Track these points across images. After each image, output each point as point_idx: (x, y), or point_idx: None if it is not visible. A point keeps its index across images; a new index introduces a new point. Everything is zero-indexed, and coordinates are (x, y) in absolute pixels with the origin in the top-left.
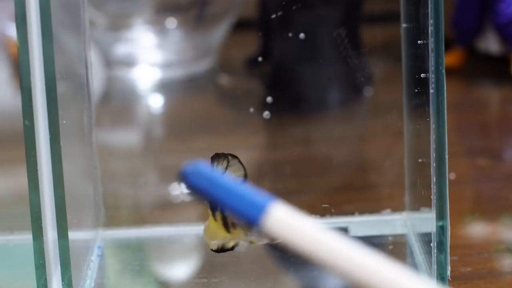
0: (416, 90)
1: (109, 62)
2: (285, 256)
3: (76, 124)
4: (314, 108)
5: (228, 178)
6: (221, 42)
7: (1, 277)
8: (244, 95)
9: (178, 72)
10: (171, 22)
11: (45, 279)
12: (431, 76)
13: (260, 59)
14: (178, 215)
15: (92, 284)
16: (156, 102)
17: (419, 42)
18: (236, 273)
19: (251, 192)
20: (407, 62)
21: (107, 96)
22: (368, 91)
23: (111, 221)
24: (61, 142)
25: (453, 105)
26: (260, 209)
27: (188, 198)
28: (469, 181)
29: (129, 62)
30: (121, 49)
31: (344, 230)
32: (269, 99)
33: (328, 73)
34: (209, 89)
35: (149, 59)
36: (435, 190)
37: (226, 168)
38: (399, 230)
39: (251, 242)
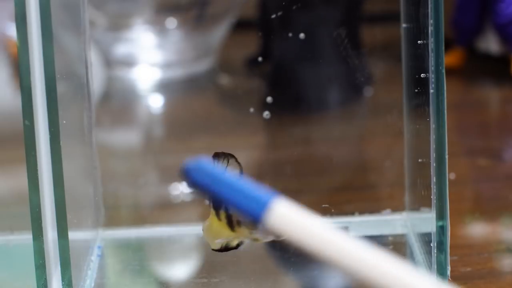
0: (416, 90)
1: (109, 62)
2: (285, 256)
3: (76, 124)
4: (314, 108)
5: (230, 175)
6: (221, 42)
7: (1, 277)
8: (244, 95)
9: (178, 72)
10: (171, 22)
11: (45, 279)
12: (431, 76)
13: (260, 59)
14: (178, 215)
15: (92, 284)
16: (156, 102)
17: (419, 42)
18: (236, 273)
19: (253, 188)
20: (407, 62)
21: (107, 96)
22: (368, 91)
23: (111, 221)
24: (61, 142)
25: (453, 105)
26: (262, 205)
27: (188, 198)
28: (469, 181)
29: (129, 62)
30: (121, 49)
31: (344, 230)
32: (269, 99)
33: (328, 73)
34: (209, 89)
35: (149, 59)
36: (435, 190)
37: (226, 167)
38: (399, 230)
39: (256, 240)
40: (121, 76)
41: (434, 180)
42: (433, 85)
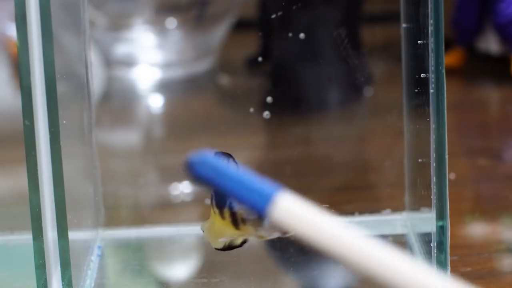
0: (416, 90)
1: (109, 62)
2: (285, 256)
3: (76, 124)
4: (314, 108)
5: (234, 168)
6: (221, 42)
7: (1, 277)
8: (244, 95)
9: (178, 72)
10: (171, 22)
11: (45, 279)
12: (431, 76)
13: (260, 59)
14: (178, 215)
15: (92, 284)
16: (156, 102)
17: (419, 42)
18: (236, 273)
19: (258, 181)
20: (407, 62)
21: (107, 96)
22: (368, 91)
23: (111, 221)
24: (61, 142)
25: (453, 105)
26: (266, 199)
27: (188, 198)
28: (469, 181)
29: (129, 62)
30: (121, 49)
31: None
32: (269, 99)
33: (328, 73)
34: (209, 89)
35: (149, 59)
36: (435, 190)
37: None
38: (399, 230)
39: (261, 237)
40: (121, 76)
41: (434, 180)
42: (433, 85)
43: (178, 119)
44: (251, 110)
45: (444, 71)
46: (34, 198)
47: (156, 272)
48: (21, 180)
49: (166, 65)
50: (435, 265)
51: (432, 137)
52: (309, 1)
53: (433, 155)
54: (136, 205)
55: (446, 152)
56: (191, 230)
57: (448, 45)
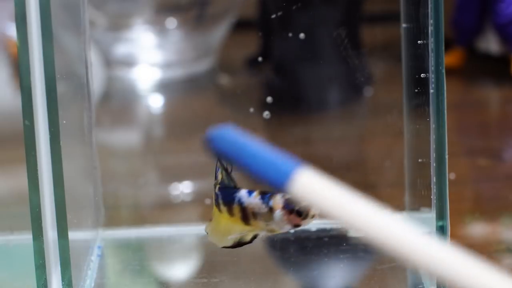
0: (416, 90)
1: (109, 62)
2: (285, 256)
3: (76, 124)
4: (314, 108)
5: (254, 143)
6: (221, 42)
7: (1, 277)
8: (244, 95)
9: (178, 72)
10: (171, 22)
11: (45, 279)
12: (431, 76)
13: (260, 59)
14: (178, 215)
15: (92, 284)
16: (156, 102)
17: (419, 42)
18: (236, 273)
19: (277, 157)
20: (407, 62)
21: (107, 96)
22: (368, 91)
23: (111, 221)
24: (61, 142)
25: (453, 105)
26: (286, 174)
27: (188, 198)
28: (469, 181)
29: (129, 62)
30: (121, 49)
31: (344, 230)
32: (269, 99)
33: (328, 73)
34: (209, 89)
35: (149, 59)
36: (435, 190)
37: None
38: None
39: (271, 231)
40: (121, 76)
41: (434, 180)
42: (433, 85)
43: (178, 119)
44: (251, 110)
45: (444, 71)
46: (34, 198)
47: (156, 272)
48: (21, 180)
49: (166, 65)
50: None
51: (432, 137)
52: (309, 1)
53: (433, 155)
54: (136, 205)
55: (446, 152)
56: (191, 230)
57: (448, 45)
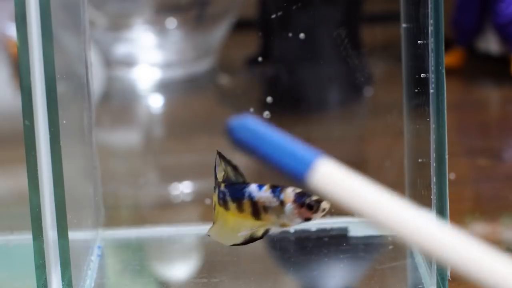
0: (416, 90)
1: (109, 62)
2: (285, 256)
3: (76, 124)
4: (314, 108)
5: (275, 133)
6: (221, 42)
7: (1, 277)
8: (244, 95)
9: (178, 72)
10: (171, 22)
11: (45, 279)
12: (431, 76)
13: (260, 59)
14: (178, 215)
15: (92, 284)
16: (156, 102)
17: (419, 42)
18: (236, 273)
19: (298, 147)
20: (407, 62)
21: (107, 96)
22: (368, 91)
23: (111, 221)
24: (61, 142)
25: (453, 105)
26: (306, 164)
27: (188, 198)
28: (469, 181)
29: (129, 62)
30: (121, 49)
31: (344, 230)
32: (269, 99)
33: (328, 73)
34: (209, 89)
35: (149, 59)
36: (435, 190)
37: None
38: None
39: (282, 225)
40: (121, 76)
41: (434, 180)
42: (433, 85)
43: (178, 119)
44: (251, 110)
45: (444, 71)
46: (34, 198)
47: (156, 272)
48: (21, 180)
49: (166, 65)
50: (435, 265)
51: (432, 137)
52: (309, 1)
53: (433, 155)
54: (136, 205)
55: (446, 152)
56: (191, 230)
57: (448, 45)
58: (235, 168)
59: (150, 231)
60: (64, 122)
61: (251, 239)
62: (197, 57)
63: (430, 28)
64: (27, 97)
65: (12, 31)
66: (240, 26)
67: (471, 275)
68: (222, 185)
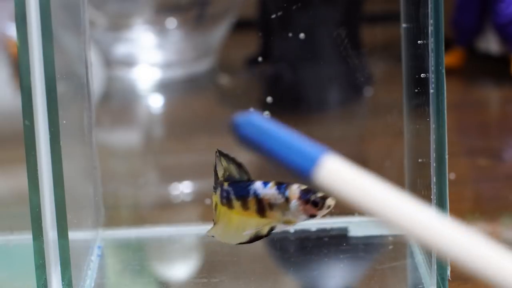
0: (416, 90)
1: (109, 62)
2: (285, 256)
3: (76, 124)
4: (314, 108)
5: (280, 129)
6: (221, 42)
7: (1, 277)
8: (244, 95)
9: (178, 72)
10: (171, 22)
11: (45, 279)
12: (431, 76)
13: (260, 59)
14: (178, 215)
15: (92, 284)
16: (156, 102)
17: (419, 42)
18: (236, 273)
19: (303, 143)
20: (407, 62)
21: (107, 96)
22: (368, 91)
23: (111, 221)
24: (61, 142)
25: (453, 105)
26: (312, 161)
27: (188, 198)
28: (469, 181)
29: (129, 62)
30: (121, 49)
31: (344, 230)
32: (269, 99)
33: (328, 73)
34: (209, 89)
35: (149, 59)
36: (435, 190)
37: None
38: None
39: (287, 222)
40: (121, 76)
41: (434, 180)
42: (433, 85)
43: (178, 119)
44: (251, 110)
45: (444, 71)
46: (34, 198)
47: (156, 272)
48: (21, 180)
49: (166, 65)
50: (435, 265)
51: (432, 137)
52: (309, 1)
53: (433, 155)
54: (136, 205)
55: (446, 152)
56: (191, 230)
57: (448, 45)
58: (239, 165)
59: (150, 231)
60: (64, 122)
61: (256, 237)
62: (197, 57)
63: (430, 28)
64: (27, 97)
65: (12, 31)
66: (240, 26)
67: (481, 273)
68: (225, 184)
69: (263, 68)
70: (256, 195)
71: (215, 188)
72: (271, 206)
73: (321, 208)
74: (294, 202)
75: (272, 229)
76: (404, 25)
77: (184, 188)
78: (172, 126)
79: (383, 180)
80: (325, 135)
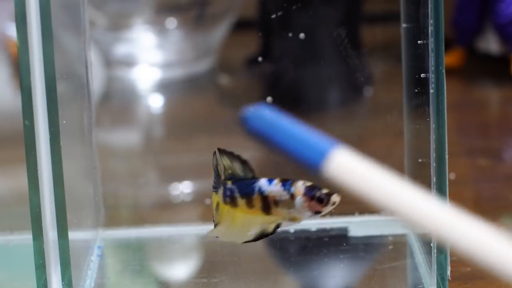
0: (416, 90)
1: (109, 62)
2: (285, 256)
3: (76, 124)
4: (314, 108)
5: (290, 122)
6: (221, 42)
7: (1, 277)
8: (244, 95)
9: (178, 72)
10: (171, 22)
11: (45, 279)
12: (431, 76)
13: (260, 59)
14: (178, 215)
15: (92, 284)
16: (156, 102)
17: (419, 42)
18: (236, 273)
19: (313, 136)
20: (407, 62)
21: (107, 96)
22: (368, 91)
23: (111, 221)
24: (61, 142)
25: (453, 105)
26: (322, 154)
27: (188, 198)
28: (469, 181)
29: (129, 62)
30: (121, 49)
31: (344, 230)
32: (269, 99)
33: (328, 73)
34: (209, 89)
35: (149, 59)
36: (435, 190)
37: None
38: (399, 230)
39: (292, 219)
40: (121, 76)
41: (434, 180)
42: (433, 85)
43: (178, 119)
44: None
45: (444, 71)
46: (34, 198)
47: (156, 272)
48: (21, 180)
49: (166, 65)
50: (435, 265)
51: (432, 137)
52: (309, 1)
53: (433, 155)
54: (136, 205)
55: (446, 152)
56: (191, 230)
57: (448, 45)
58: (244, 163)
59: (150, 231)
60: (64, 122)
61: (262, 235)
62: (197, 57)
63: (430, 28)
64: (27, 97)
65: (12, 31)
66: (240, 26)
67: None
68: (229, 183)
69: (263, 68)
70: (261, 193)
71: (215, 188)
72: (277, 203)
73: (326, 204)
74: (299, 199)
75: (277, 226)
76: (404, 25)
77: (184, 188)
78: (172, 126)
79: (392, 174)
80: (325, 135)
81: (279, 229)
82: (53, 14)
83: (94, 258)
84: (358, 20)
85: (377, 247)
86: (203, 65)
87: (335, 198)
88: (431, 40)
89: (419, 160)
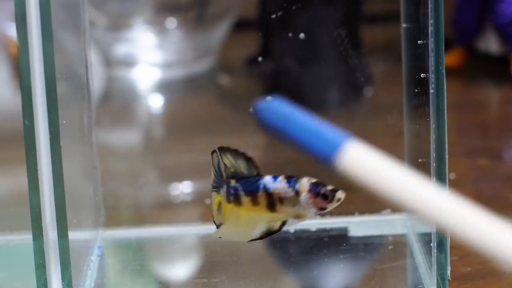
0: (416, 90)
1: (109, 62)
2: (285, 256)
3: (76, 124)
4: (314, 108)
5: (303, 115)
6: (221, 42)
7: (1, 277)
8: (244, 95)
9: (178, 72)
10: (171, 22)
11: (45, 279)
12: (431, 76)
13: (260, 59)
14: (178, 215)
15: (92, 284)
16: (156, 102)
17: (419, 42)
18: (236, 273)
19: (326, 129)
20: (407, 62)
21: (107, 96)
22: (368, 91)
23: (111, 221)
24: (61, 142)
25: (453, 105)
26: (335, 146)
27: (188, 198)
28: (469, 181)
29: (129, 62)
30: (121, 49)
31: (344, 230)
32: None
33: (328, 73)
34: (209, 89)
35: (149, 59)
36: None
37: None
38: (399, 230)
39: (297, 216)
40: (121, 76)
41: (434, 180)
42: (433, 85)
43: (178, 119)
44: (251, 110)
45: (444, 71)
46: (34, 198)
47: (156, 272)
48: (21, 180)
49: (166, 65)
50: (435, 265)
51: (432, 137)
52: (309, 1)
53: (433, 155)
54: (136, 205)
55: (446, 152)
56: (191, 230)
57: (448, 45)
58: (249, 160)
59: (150, 231)
60: (64, 122)
61: (268, 233)
62: (197, 57)
63: (430, 28)
64: (27, 97)
65: (12, 31)
66: (240, 26)
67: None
68: (233, 181)
69: (263, 68)
70: (266, 190)
71: (216, 187)
72: (281, 200)
73: (331, 201)
74: (304, 195)
75: (283, 223)
76: (404, 25)
77: (184, 188)
78: (172, 126)
79: (405, 167)
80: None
81: (285, 226)
82: (53, 14)
83: (94, 258)
84: (358, 20)
85: (377, 247)
86: (203, 65)
87: (340, 194)
88: (431, 40)
89: (419, 160)
